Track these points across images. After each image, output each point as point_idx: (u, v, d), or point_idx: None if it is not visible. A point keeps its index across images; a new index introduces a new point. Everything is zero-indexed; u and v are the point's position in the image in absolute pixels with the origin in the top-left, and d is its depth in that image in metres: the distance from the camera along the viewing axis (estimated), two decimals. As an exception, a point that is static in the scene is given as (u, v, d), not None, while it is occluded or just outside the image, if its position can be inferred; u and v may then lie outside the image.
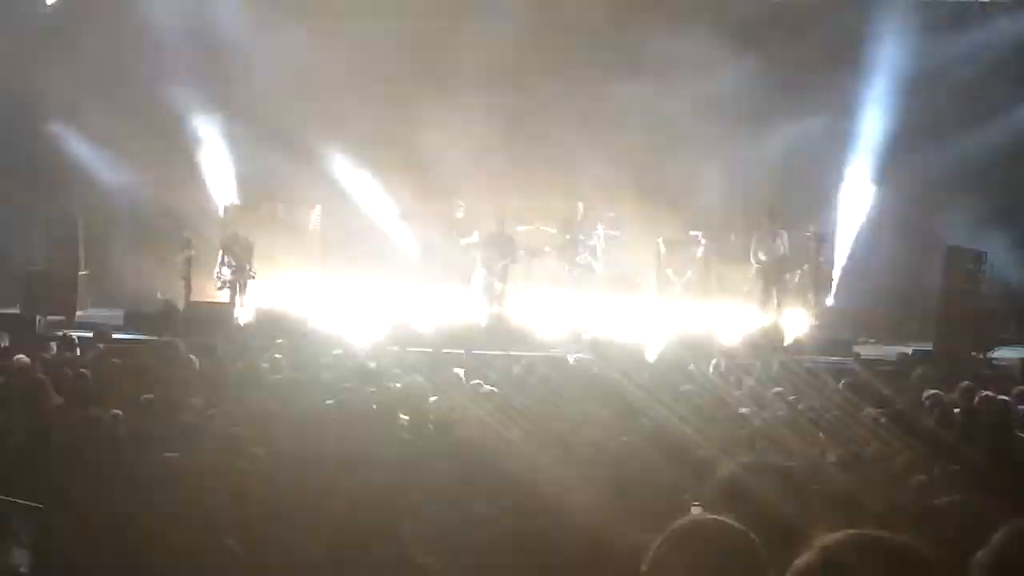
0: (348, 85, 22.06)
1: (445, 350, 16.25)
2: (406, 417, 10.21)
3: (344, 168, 22.66)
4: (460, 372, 13.74)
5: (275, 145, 21.87)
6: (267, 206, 22.72)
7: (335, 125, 22.16)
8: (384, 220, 23.18)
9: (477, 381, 12.46)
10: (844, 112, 22.26)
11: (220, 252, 21.00)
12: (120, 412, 9.56)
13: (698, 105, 21.39)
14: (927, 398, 12.16)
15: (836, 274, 22.15)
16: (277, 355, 14.39)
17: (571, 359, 15.65)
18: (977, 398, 11.99)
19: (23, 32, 22.02)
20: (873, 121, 22.22)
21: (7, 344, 14.70)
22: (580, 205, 22.29)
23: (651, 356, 16.09)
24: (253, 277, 20.82)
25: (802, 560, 2.58)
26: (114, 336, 16.92)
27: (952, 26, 21.88)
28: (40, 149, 22.16)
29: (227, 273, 20.75)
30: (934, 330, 19.93)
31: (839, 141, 22.45)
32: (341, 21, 22.04)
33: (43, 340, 15.79)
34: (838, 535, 2.61)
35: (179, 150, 22.58)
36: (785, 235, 20.60)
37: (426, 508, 7.26)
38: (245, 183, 22.58)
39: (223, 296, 20.80)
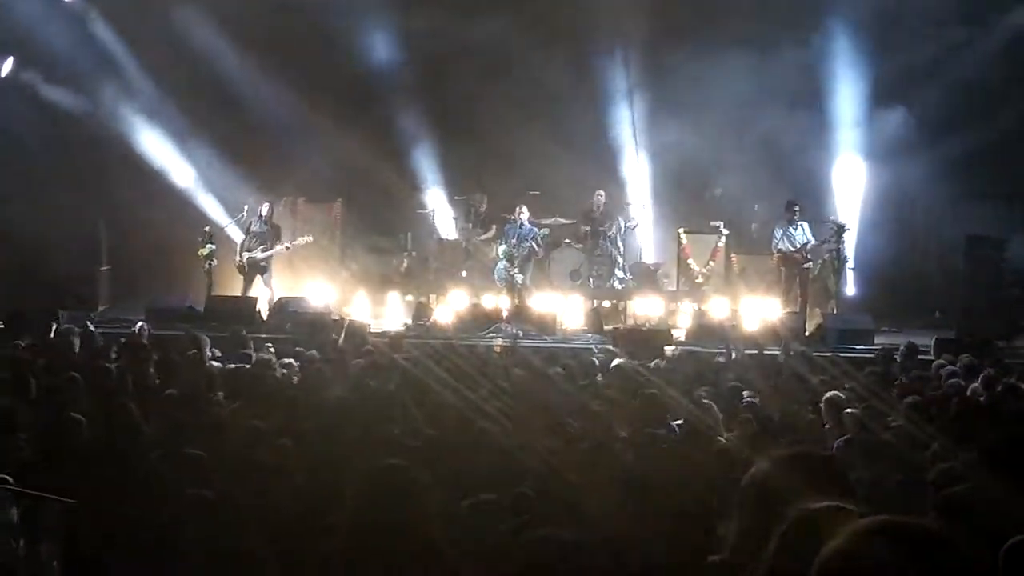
0: (365, 81, 22.26)
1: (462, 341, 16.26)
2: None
3: (363, 161, 22.71)
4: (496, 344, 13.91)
5: (297, 138, 22.02)
6: (288, 200, 22.74)
7: (354, 118, 22.25)
8: (404, 213, 23.37)
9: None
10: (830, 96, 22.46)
11: (244, 236, 21.02)
12: (144, 407, 9.61)
13: (713, 96, 21.49)
14: (950, 386, 12.16)
15: (854, 263, 22.11)
16: (299, 347, 14.49)
17: (595, 349, 15.68)
18: (1000, 387, 11.96)
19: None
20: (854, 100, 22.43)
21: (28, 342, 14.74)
22: (600, 195, 22.29)
23: (673, 346, 16.10)
24: (287, 248, 20.94)
25: (829, 547, 2.58)
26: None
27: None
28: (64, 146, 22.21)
29: (247, 256, 20.81)
30: (957, 318, 19.93)
31: (829, 127, 22.63)
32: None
33: (66, 335, 15.83)
34: (865, 521, 2.60)
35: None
36: (806, 226, 20.56)
37: (449, 502, 7.28)
38: (268, 178, 22.56)
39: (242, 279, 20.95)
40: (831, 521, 2.79)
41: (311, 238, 21.27)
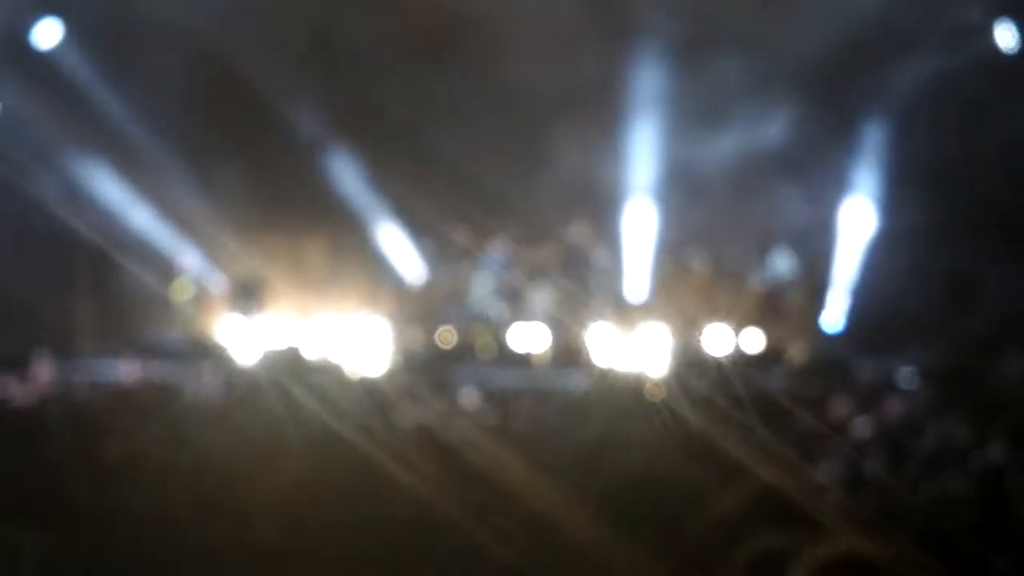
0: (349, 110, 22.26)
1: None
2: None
3: (347, 196, 22.71)
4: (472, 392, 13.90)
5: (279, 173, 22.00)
6: (268, 239, 22.69)
7: (338, 149, 22.28)
8: (389, 247, 23.33)
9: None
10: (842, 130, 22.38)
11: (230, 282, 21.02)
12: (120, 448, 9.57)
13: (690, 123, 21.54)
14: (927, 421, 12.18)
15: (833, 295, 22.16)
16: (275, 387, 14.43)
17: (572, 385, 15.68)
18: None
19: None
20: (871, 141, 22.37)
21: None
22: (580, 227, 22.31)
23: (649, 381, 16.08)
24: (261, 310, 20.89)
25: None
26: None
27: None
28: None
29: (236, 302, 20.81)
30: (936, 351, 19.97)
31: (837, 160, 22.55)
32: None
33: (41, 376, 15.75)
34: (825, 551, 2.62)
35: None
36: (784, 256, 20.62)
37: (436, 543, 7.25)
38: (246, 216, 22.51)
39: (228, 324, 20.90)
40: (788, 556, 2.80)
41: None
